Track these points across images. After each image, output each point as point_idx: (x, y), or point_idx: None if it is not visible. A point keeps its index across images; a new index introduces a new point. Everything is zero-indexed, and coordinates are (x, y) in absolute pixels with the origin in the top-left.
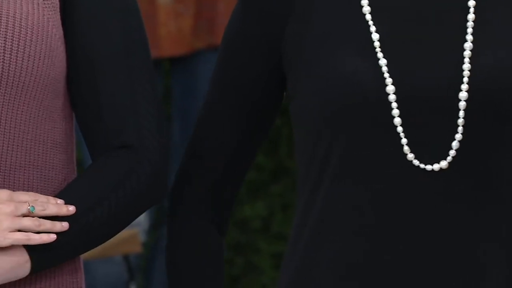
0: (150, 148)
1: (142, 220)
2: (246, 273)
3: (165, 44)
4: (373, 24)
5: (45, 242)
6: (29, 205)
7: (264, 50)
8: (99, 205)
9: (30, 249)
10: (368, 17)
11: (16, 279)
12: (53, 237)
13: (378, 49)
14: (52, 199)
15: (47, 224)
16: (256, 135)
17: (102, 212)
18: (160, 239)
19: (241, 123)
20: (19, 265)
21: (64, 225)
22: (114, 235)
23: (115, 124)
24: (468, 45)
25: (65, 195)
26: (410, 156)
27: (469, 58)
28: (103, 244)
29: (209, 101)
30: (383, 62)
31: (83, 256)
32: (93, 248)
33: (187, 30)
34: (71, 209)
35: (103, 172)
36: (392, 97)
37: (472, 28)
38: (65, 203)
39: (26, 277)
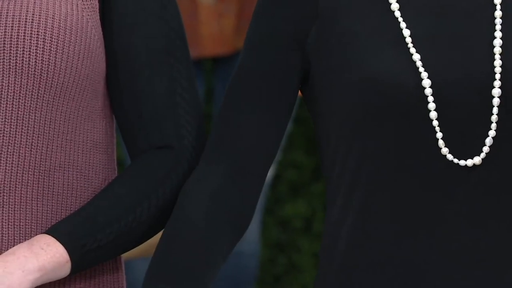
0: (189, 148)
1: None
2: (287, 272)
3: (207, 43)
4: (403, 21)
5: None
6: None
7: (288, 45)
8: (139, 206)
9: (71, 250)
10: (397, 14)
11: (56, 279)
12: None
13: (410, 45)
14: None
15: None
16: (276, 124)
17: (142, 212)
18: None
19: (262, 109)
20: (59, 266)
21: None
22: (154, 234)
23: (154, 125)
24: (497, 42)
25: (105, 195)
26: (445, 150)
27: (500, 54)
28: (143, 244)
29: (233, 88)
30: (416, 57)
31: (124, 256)
32: (133, 248)
33: (229, 30)
34: None
35: (143, 172)
36: (428, 91)
37: (500, 24)
38: (105, 204)
39: (67, 276)
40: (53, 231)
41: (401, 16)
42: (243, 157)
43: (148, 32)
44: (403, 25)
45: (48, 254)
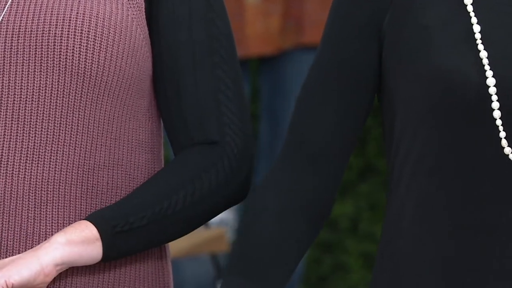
0: (231, 145)
1: (232, 219)
2: (334, 272)
3: (252, 43)
4: (475, 16)
5: None
6: None
7: (367, 34)
8: (174, 194)
9: (101, 229)
10: (470, 8)
11: (90, 260)
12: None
13: (479, 41)
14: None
15: None
16: (356, 112)
17: (177, 201)
18: None
19: (342, 98)
20: (88, 241)
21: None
22: (192, 229)
23: (197, 122)
24: None
25: (142, 184)
26: (508, 150)
27: None
28: (190, 243)
29: (311, 79)
30: (483, 54)
31: (171, 255)
32: (169, 240)
33: (275, 30)
34: None
35: (182, 164)
36: (492, 90)
37: None
38: (141, 191)
39: (111, 274)
40: (85, 217)
41: (473, 11)
42: (322, 149)
43: (194, 31)
44: (474, 20)
45: (76, 229)
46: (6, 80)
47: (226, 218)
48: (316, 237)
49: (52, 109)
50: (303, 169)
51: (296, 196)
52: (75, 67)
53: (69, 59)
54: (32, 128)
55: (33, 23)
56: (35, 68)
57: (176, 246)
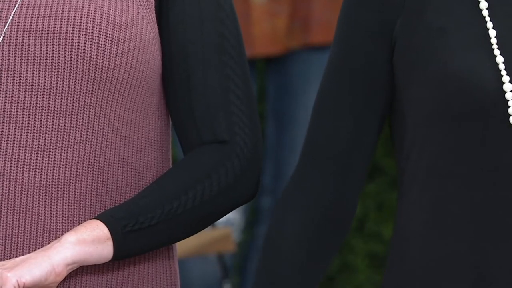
0: (241, 145)
1: (238, 219)
2: (341, 272)
3: (259, 43)
4: (490, 20)
5: None
6: None
7: (378, 37)
8: (184, 194)
9: (112, 228)
10: (485, 13)
11: (101, 259)
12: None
13: (495, 46)
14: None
15: None
16: (372, 118)
17: (187, 201)
18: (255, 238)
19: (357, 104)
20: (100, 240)
21: None
22: (202, 228)
23: (206, 121)
24: None
25: (152, 184)
26: None
27: None
28: (197, 243)
29: (325, 87)
30: (500, 59)
31: (178, 255)
32: (177, 241)
33: (282, 30)
34: None
35: (191, 163)
36: (509, 95)
37: None
38: (150, 191)
39: (119, 273)
40: (96, 217)
41: (488, 16)
42: (340, 163)
43: (203, 30)
44: (489, 24)
45: (87, 228)
46: (17, 77)
47: (232, 218)
48: (340, 246)
49: (63, 106)
50: (323, 183)
51: (317, 213)
52: (86, 64)
53: (80, 56)
54: (43, 125)
55: (44, 20)
56: (46, 65)
57: (182, 246)
